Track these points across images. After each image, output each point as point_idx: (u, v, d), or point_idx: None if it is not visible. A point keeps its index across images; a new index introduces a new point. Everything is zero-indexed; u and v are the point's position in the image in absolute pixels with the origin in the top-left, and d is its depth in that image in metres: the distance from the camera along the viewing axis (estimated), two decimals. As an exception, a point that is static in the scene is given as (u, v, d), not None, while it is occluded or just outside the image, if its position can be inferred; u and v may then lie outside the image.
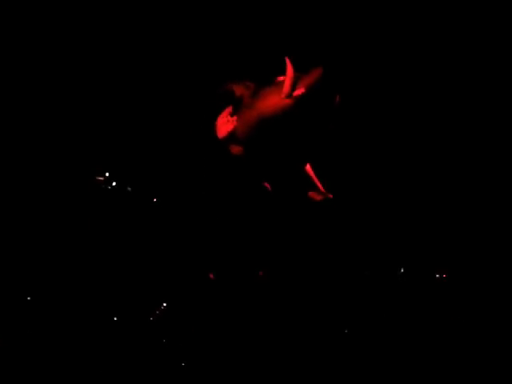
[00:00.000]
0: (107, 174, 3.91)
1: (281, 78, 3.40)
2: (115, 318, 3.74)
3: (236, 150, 3.50)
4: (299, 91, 3.36)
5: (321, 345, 3.76)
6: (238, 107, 3.50)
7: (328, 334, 3.79)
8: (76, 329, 3.69)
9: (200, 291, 3.76)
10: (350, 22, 3.99)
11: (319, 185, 3.60)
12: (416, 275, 3.92)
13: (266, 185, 3.56)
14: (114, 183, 3.90)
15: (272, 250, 3.78)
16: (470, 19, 3.92)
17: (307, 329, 3.78)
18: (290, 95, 3.36)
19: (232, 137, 3.49)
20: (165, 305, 3.77)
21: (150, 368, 3.69)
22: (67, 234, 3.81)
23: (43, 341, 3.65)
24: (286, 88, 3.35)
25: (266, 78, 3.46)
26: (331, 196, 3.59)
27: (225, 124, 3.52)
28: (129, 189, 3.91)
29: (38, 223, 3.80)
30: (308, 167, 3.61)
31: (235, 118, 3.49)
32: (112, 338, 3.71)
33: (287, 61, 3.35)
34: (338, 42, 3.95)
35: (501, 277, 3.89)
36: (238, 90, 3.53)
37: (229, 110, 3.54)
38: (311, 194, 3.62)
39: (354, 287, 3.88)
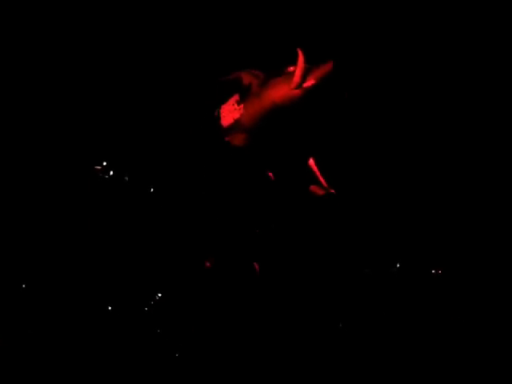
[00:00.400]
0: (105, 163, 3.87)
1: (291, 69, 3.40)
2: (109, 308, 3.69)
3: (239, 138, 3.48)
4: (309, 83, 3.35)
5: (317, 340, 3.74)
6: (245, 95, 3.49)
7: (324, 329, 3.77)
8: (70, 319, 3.63)
9: (196, 280, 3.72)
10: (365, 20, 4.01)
11: (322, 179, 3.60)
12: (412, 271, 3.92)
13: (270, 174, 3.55)
14: (111, 172, 3.86)
15: (271, 243, 3.75)
16: (478, 16, 3.98)
17: (303, 323, 3.76)
18: (299, 86, 3.35)
19: (237, 125, 3.48)
20: (160, 295, 3.73)
21: (144, 359, 3.64)
22: (64, 223, 3.76)
23: (37, 332, 3.59)
24: (296, 78, 3.33)
25: (277, 68, 3.45)
26: (333, 191, 3.60)
27: (231, 112, 3.50)
28: (126, 178, 3.87)
29: (36, 212, 3.76)
30: (311, 161, 3.61)
31: (242, 106, 3.48)
32: (106, 327, 3.66)
33: (299, 52, 3.35)
34: (352, 37, 3.97)
35: (496, 273, 3.91)
36: (247, 78, 3.52)
37: (236, 97, 3.52)
38: (313, 188, 3.61)
39: (351, 282, 3.87)
